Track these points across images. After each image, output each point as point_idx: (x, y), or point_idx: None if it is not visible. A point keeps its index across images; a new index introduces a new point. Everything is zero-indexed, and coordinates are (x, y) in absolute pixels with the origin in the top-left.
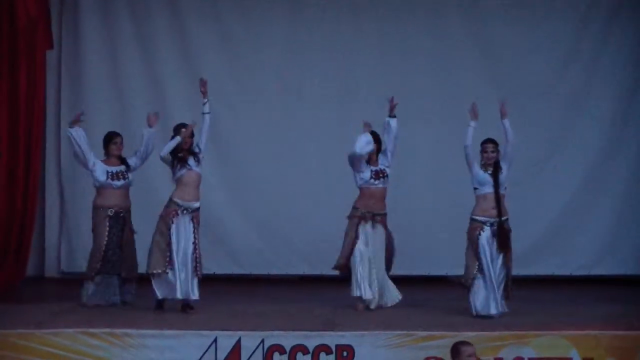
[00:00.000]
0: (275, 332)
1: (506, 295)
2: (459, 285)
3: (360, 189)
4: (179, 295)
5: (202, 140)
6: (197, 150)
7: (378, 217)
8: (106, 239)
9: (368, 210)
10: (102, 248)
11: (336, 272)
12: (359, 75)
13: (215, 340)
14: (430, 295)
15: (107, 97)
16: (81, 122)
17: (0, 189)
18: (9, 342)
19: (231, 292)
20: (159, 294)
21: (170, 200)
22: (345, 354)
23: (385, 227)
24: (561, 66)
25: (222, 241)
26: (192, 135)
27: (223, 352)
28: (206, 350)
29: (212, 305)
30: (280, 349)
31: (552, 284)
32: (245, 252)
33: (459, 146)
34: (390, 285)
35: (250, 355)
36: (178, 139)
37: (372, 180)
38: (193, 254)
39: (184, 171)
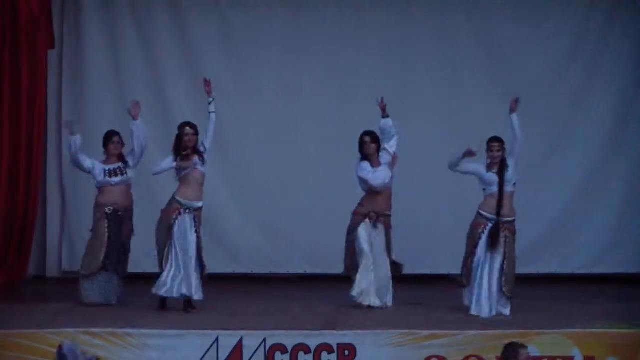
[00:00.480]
0: (277, 332)
1: (509, 296)
2: (459, 284)
3: (366, 191)
4: (175, 294)
5: (207, 140)
6: (202, 149)
7: (382, 218)
8: (106, 237)
9: (373, 210)
10: (102, 246)
11: (336, 272)
12: (361, 75)
13: (217, 340)
14: (432, 294)
15: (108, 96)
16: (74, 131)
17: (1, 189)
18: (11, 341)
19: (233, 292)
20: (161, 293)
21: (173, 198)
22: (347, 353)
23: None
24: (562, 65)
25: (223, 240)
26: (196, 133)
27: (225, 352)
28: (208, 350)
29: (213, 304)
30: (282, 348)
31: (554, 282)
32: (247, 251)
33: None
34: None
35: (252, 355)
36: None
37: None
38: (196, 253)
39: (188, 170)
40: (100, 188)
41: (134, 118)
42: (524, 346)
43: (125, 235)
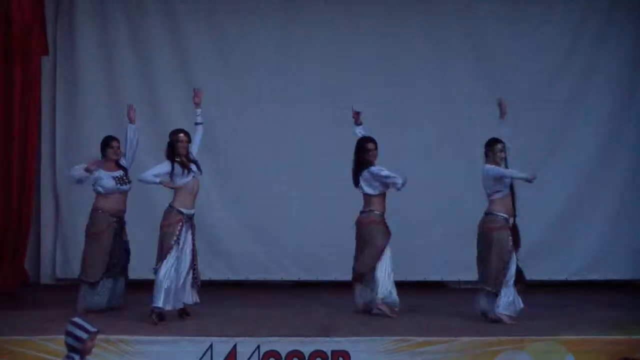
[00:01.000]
0: (271, 338)
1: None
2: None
3: (377, 195)
4: (178, 306)
5: (194, 150)
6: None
7: None
8: (111, 244)
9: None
10: (106, 253)
11: (330, 278)
12: (355, 82)
13: (211, 346)
14: (427, 300)
15: (102, 102)
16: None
17: None
18: (4, 348)
19: (227, 298)
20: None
21: (173, 208)
22: (341, 359)
23: None
24: (557, 70)
25: (217, 247)
26: (189, 140)
27: (219, 358)
28: (202, 356)
29: (207, 311)
30: (275, 354)
31: (548, 288)
32: (241, 258)
33: (455, 150)
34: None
35: None
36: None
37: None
38: (192, 261)
39: (189, 179)
40: (104, 195)
41: (131, 121)
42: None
43: (125, 241)
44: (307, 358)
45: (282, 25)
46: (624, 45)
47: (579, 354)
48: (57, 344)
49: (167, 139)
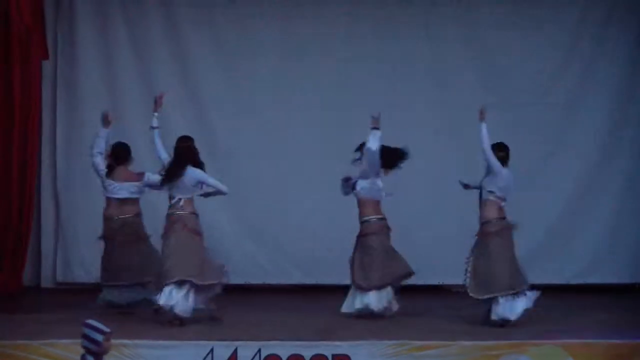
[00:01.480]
0: (272, 342)
1: None
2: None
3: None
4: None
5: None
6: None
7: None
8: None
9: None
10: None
11: (331, 282)
12: (355, 86)
13: (211, 351)
14: (427, 304)
15: (102, 105)
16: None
17: None
18: (5, 352)
19: (227, 302)
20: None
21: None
22: None
23: None
24: (556, 72)
25: (217, 251)
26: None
27: None
28: None
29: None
30: (276, 358)
31: (548, 292)
32: (242, 261)
33: (455, 153)
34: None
35: None
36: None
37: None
38: None
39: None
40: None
41: (105, 126)
42: None
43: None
44: None
45: (282, 27)
46: (623, 46)
47: (579, 358)
48: (57, 348)
49: (166, 142)
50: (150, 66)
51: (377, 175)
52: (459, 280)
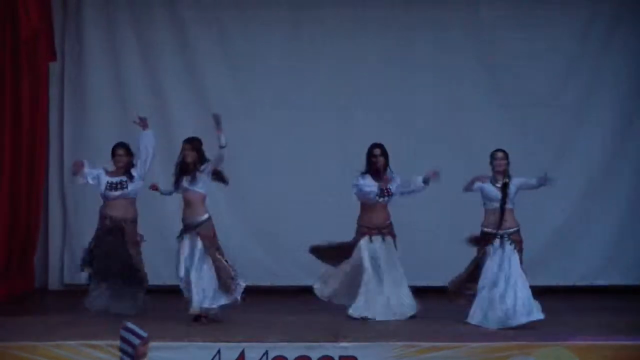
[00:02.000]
0: (279, 344)
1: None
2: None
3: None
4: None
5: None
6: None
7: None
8: (108, 249)
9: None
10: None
11: None
12: (361, 90)
13: (218, 352)
14: (433, 305)
15: (109, 107)
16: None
17: (3, 202)
18: (12, 354)
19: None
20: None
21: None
22: None
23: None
24: (563, 75)
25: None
26: (193, 149)
27: None
28: None
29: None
30: None
31: (555, 294)
32: (248, 263)
33: (460, 157)
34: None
35: None
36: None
37: (378, 198)
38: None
39: (178, 190)
40: (103, 199)
41: (144, 129)
42: None
43: (130, 246)
44: None
45: (288, 31)
46: (631, 48)
47: (586, 359)
48: (64, 349)
49: (173, 144)
50: (157, 68)
51: None
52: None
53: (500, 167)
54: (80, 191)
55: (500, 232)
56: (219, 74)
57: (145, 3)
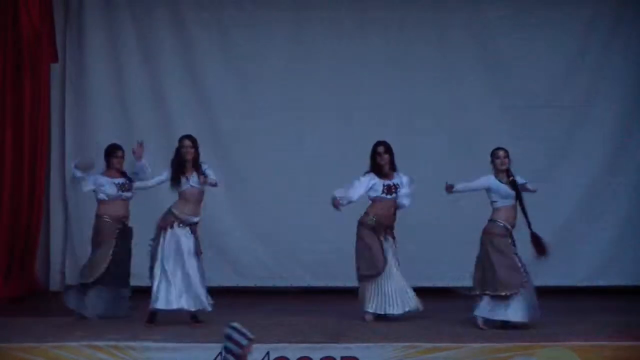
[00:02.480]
0: (281, 344)
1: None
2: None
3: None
4: (174, 306)
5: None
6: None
7: (389, 230)
8: (114, 251)
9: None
10: (107, 260)
11: (340, 284)
12: (363, 89)
13: (220, 353)
14: (436, 306)
15: (111, 109)
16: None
17: (5, 204)
18: (14, 355)
19: (236, 305)
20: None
21: (169, 210)
22: None
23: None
24: (564, 76)
25: (226, 254)
26: (194, 146)
27: None
28: None
29: (216, 317)
30: None
31: (557, 294)
32: (250, 264)
33: (463, 156)
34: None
35: None
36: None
37: (385, 195)
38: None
39: (186, 186)
40: (106, 201)
41: (138, 159)
42: None
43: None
44: None
45: (291, 33)
46: (633, 48)
47: None
48: (66, 350)
49: (173, 144)
50: (158, 69)
51: None
52: (467, 283)
53: (503, 165)
54: (81, 192)
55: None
56: (220, 74)
57: (146, 4)
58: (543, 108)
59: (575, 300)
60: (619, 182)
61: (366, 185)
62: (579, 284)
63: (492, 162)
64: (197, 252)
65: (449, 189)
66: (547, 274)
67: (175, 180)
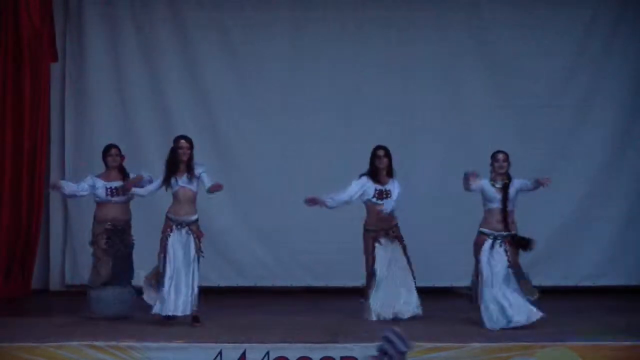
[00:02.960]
0: (280, 344)
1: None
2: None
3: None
4: (180, 313)
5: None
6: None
7: (390, 232)
8: (110, 252)
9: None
10: (105, 261)
11: (340, 284)
12: (364, 91)
13: (220, 353)
14: (436, 306)
15: (110, 109)
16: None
17: (4, 203)
18: (14, 355)
19: (236, 304)
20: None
21: (166, 216)
22: None
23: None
24: (566, 74)
25: (226, 253)
26: (191, 147)
27: None
28: None
29: (216, 317)
30: None
31: (557, 294)
32: (250, 264)
33: (464, 156)
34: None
35: None
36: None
37: (375, 200)
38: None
39: (177, 187)
40: (100, 204)
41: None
42: None
43: (127, 248)
44: None
45: (291, 33)
46: (631, 49)
47: None
48: (66, 350)
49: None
50: (159, 69)
51: None
52: (467, 283)
53: (501, 169)
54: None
55: (496, 233)
56: (220, 74)
57: (147, 4)
58: (543, 108)
59: (575, 300)
60: (619, 182)
61: (359, 187)
62: (579, 284)
63: (491, 164)
64: (197, 252)
65: (473, 176)
66: (547, 274)
67: (167, 181)
